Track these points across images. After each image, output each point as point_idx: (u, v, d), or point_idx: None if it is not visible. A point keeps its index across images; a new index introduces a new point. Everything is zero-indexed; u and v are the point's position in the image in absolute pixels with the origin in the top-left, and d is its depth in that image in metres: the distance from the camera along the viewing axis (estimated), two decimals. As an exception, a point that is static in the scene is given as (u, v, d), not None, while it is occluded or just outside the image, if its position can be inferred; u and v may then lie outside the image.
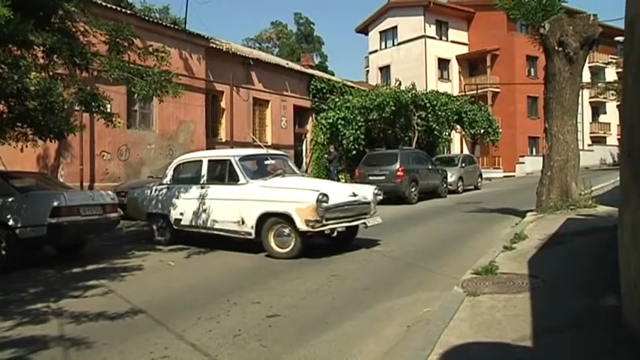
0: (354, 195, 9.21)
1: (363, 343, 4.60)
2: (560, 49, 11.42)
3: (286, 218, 8.46)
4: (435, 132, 26.81)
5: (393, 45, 43.11)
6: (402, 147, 21.48)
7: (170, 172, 10.57)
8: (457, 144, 36.24)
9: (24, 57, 7.26)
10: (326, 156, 24.26)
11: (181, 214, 9.94)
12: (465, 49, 42.48)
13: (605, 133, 47.94)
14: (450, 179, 21.33)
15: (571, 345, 3.96)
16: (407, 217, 13.90)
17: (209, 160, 10.02)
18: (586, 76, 34.73)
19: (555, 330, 4.28)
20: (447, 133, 29.03)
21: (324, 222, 8.36)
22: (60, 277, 7.72)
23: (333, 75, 35.82)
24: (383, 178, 17.65)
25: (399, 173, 17.56)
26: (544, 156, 12.17)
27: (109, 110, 9.35)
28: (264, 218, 8.70)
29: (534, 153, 38.51)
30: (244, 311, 5.65)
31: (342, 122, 23.82)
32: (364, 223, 9.12)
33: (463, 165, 23.38)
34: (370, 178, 17.72)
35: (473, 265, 6.83)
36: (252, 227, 8.81)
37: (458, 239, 10.03)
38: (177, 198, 10.05)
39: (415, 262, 8.01)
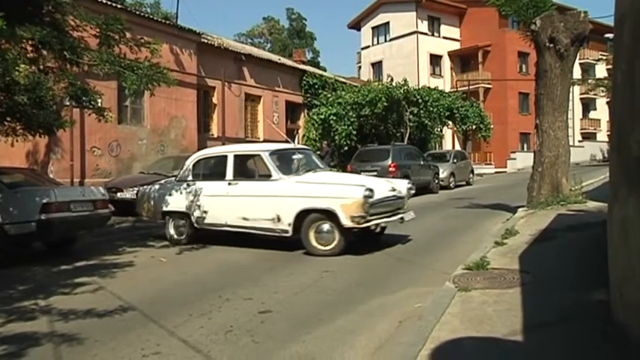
0: (393, 190, 9.15)
1: (355, 338, 4.60)
2: (551, 45, 11.46)
3: (329, 215, 8.23)
4: (427, 128, 26.90)
5: (385, 41, 43.13)
6: (394, 143, 21.50)
7: (190, 168, 10.07)
8: (449, 140, 36.36)
9: (10, 50, 7.16)
10: (318, 152, 24.25)
11: (205, 212, 9.51)
12: (456, 45, 42.59)
13: (595, 129, 48.26)
14: (441, 175, 21.41)
15: (560, 340, 3.98)
16: (399, 212, 13.90)
17: (235, 156, 9.54)
18: (577, 73, 34.85)
19: (545, 325, 4.31)
20: (438, 129, 29.13)
21: (369, 217, 8.25)
22: (50, 274, 7.67)
23: (325, 71, 35.80)
24: (375, 173, 17.62)
25: (391, 169, 17.59)
26: (535, 152, 12.23)
27: (100, 105, 9.25)
28: (302, 215, 8.45)
29: (525, 149, 38.68)
30: (236, 307, 5.65)
31: (334, 118, 23.81)
32: (402, 217, 9.00)
33: (455, 161, 23.46)
34: (362, 173, 17.71)
35: (464, 261, 6.85)
36: (289, 224, 8.55)
37: (449, 235, 10.06)
38: (200, 195, 9.59)
39: (407, 257, 8.03)
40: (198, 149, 14.86)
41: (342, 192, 8.34)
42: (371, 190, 8.24)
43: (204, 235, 9.88)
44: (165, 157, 16.59)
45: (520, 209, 11.74)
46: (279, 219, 8.66)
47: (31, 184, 9.23)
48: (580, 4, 15.42)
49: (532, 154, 12.62)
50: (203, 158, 10.24)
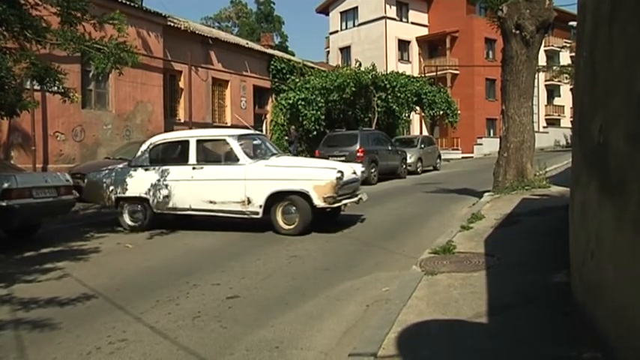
0: (355, 173, 9.78)
1: (322, 322, 4.64)
2: (518, 32, 11.60)
3: (302, 196, 8.64)
4: (395, 113, 27.02)
5: (354, 26, 43.08)
6: (362, 128, 21.56)
7: (146, 153, 9.93)
8: (416, 125, 36.66)
9: None
10: (286, 137, 24.18)
11: (166, 196, 9.49)
12: (424, 31, 42.79)
13: (559, 115, 49.26)
14: (409, 160, 21.58)
15: (522, 320, 4.08)
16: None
17: (198, 140, 9.57)
18: (542, 60, 35.44)
19: (509, 306, 4.41)
20: (406, 115, 29.31)
21: (338, 198, 8.79)
22: (12, 262, 7.48)
23: (293, 55, 35.56)
24: (343, 159, 17.67)
25: (358, 154, 17.64)
26: (501, 137, 12.40)
27: (64, 86, 8.97)
28: (273, 197, 8.81)
29: (492, 134, 39.28)
30: (204, 293, 5.63)
31: (303, 103, 23.74)
32: (360, 198, 9.63)
33: (422, 146, 23.66)
34: (330, 159, 17.69)
35: (431, 245, 6.96)
36: (260, 206, 8.86)
37: (417, 219, 10.17)
38: (161, 180, 9.55)
39: (374, 242, 8.09)
40: (165, 134, 14.64)
41: (315, 174, 8.78)
42: (342, 172, 8.82)
43: (169, 220, 9.79)
44: (131, 142, 16.28)
45: (486, 194, 11.93)
46: (249, 201, 8.92)
47: (-10, 170, 8.97)
48: (545, -9, 15.58)
49: (498, 140, 12.80)
50: (161, 143, 10.13)
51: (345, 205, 9.30)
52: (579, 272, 4.02)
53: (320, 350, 4.05)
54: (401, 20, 41.66)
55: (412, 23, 42.25)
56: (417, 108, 29.61)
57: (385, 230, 9.14)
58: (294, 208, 8.75)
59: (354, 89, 23.89)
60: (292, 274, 6.37)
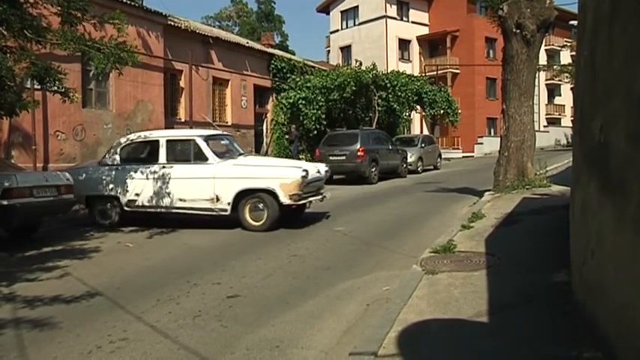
0: (319, 172, 10.16)
1: (323, 322, 4.64)
2: (518, 31, 11.59)
3: (269, 193, 9.03)
4: (396, 112, 26.99)
5: (354, 25, 43.02)
6: (363, 127, 21.56)
7: (116, 153, 10.29)
8: (417, 124, 36.60)
9: None
10: (287, 136, 24.17)
11: (137, 194, 9.82)
12: (425, 30, 42.72)
13: (560, 114, 49.20)
14: (409, 159, 21.57)
15: (523, 320, 4.09)
16: (367, 196, 14.02)
17: (167, 140, 9.95)
18: (542, 59, 35.42)
19: (509, 306, 4.41)
20: (407, 114, 29.27)
21: (303, 195, 9.23)
22: (14, 261, 7.50)
23: (293, 55, 35.54)
24: (343, 158, 17.73)
25: (359, 153, 17.64)
26: (501, 136, 12.39)
27: (64, 85, 8.99)
28: (241, 195, 9.16)
29: (492, 134, 39.22)
30: (204, 292, 5.63)
31: (303, 102, 23.71)
32: (324, 196, 10.14)
33: (423, 145, 23.65)
34: (331, 158, 17.77)
35: (431, 244, 6.96)
36: (228, 204, 9.24)
37: (417, 219, 10.17)
38: (132, 179, 9.89)
39: (375, 241, 8.09)
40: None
41: (281, 173, 9.24)
42: (306, 171, 9.29)
43: (170, 220, 9.81)
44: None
45: (486, 193, 11.92)
46: (218, 199, 9.33)
47: (-9, 169, 8.97)
48: (546, -10, 15.56)
49: (499, 139, 12.79)
50: (131, 143, 10.43)
51: (310, 202, 9.72)
52: (580, 272, 4.02)
53: (320, 349, 4.05)
54: (401, 19, 41.61)
55: (413, 22, 42.19)
56: (418, 107, 29.58)
57: (386, 229, 9.14)
58: (261, 205, 9.13)
59: (354, 88, 23.86)
60: (293, 273, 6.37)
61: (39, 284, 6.16)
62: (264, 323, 4.62)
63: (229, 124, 23.03)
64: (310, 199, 9.63)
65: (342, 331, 4.41)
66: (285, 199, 8.98)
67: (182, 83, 20.91)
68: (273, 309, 5.00)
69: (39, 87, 9.60)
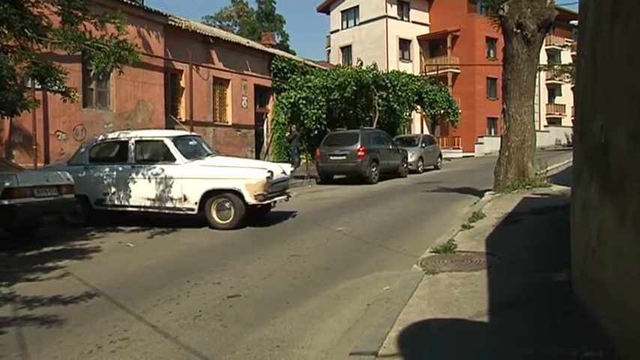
0: (284, 172, 10.54)
1: (323, 321, 4.64)
2: (519, 31, 11.58)
3: (235, 193, 9.27)
4: (396, 112, 26.97)
5: (355, 25, 43.02)
6: (363, 127, 21.55)
7: (86, 153, 10.46)
8: (417, 124, 36.60)
9: None
10: (287, 135, 24.16)
11: (105, 194, 10.02)
12: (425, 30, 42.73)
13: (560, 114, 49.19)
14: (410, 159, 21.59)
15: (523, 319, 4.08)
16: (367, 196, 14.02)
17: (136, 141, 10.15)
18: (543, 59, 35.41)
19: (510, 305, 4.41)
20: (407, 114, 29.23)
21: (268, 195, 9.49)
22: (14, 260, 7.50)
23: (294, 54, 35.55)
24: (344, 157, 17.74)
25: (360, 153, 17.64)
26: (502, 136, 12.38)
27: (65, 85, 9.01)
28: (208, 195, 9.42)
29: (493, 133, 39.22)
30: (205, 292, 5.63)
31: (304, 102, 23.67)
32: (289, 196, 10.60)
33: (423, 145, 23.67)
34: (331, 158, 17.79)
35: (432, 244, 6.96)
36: (195, 203, 9.49)
37: (418, 218, 10.17)
38: (100, 179, 10.06)
39: (375, 241, 8.09)
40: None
41: (246, 174, 9.47)
42: (271, 172, 9.54)
43: (170, 220, 9.82)
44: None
45: (487, 193, 11.91)
46: (185, 198, 9.57)
47: (-9, 169, 8.96)
48: (546, -10, 15.55)
49: (499, 139, 12.78)
50: (101, 143, 10.63)
51: (275, 202, 10.03)
52: (580, 271, 4.02)
53: (321, 349, 4.05)
54: (402, 19, 41.60)
55: (413, 22, 42.19)
56: (418, 107, 29.54)
57: (386, 229, 9.14)
58: (228, 204, 9.38)
59: (355, 88, 23.83)
60: (293, 272, 6.37)
61: (39, 284, 6.16)
62: (265, 323, 4.62)
63: (230, 123, 23.08)
64: (275, 198, 9.95)
65: (343, 331, 4.41)
66: (250, 199, 9.22)
67: (182, 83, 20.94)
68: (274, 309, 5.00)
69: (40, 86, 9.62)
